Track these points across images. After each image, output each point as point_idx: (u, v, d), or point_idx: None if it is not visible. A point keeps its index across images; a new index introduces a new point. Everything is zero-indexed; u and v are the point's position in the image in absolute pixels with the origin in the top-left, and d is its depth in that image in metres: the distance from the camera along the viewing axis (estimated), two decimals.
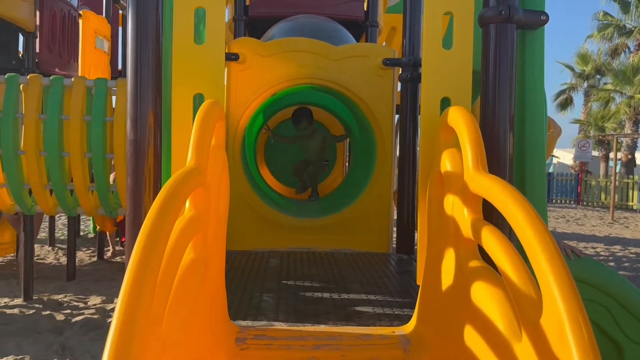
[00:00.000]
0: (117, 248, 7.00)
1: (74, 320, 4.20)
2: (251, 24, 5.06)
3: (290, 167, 5.05)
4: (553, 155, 30.99)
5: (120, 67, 7.58)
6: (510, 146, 1.88)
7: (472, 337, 1.40)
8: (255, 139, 4.53)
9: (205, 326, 1.47)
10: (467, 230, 1.51)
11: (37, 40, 5.65)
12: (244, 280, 2.57)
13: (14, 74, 4.10)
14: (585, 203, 20.10)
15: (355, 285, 2.50)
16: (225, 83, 3.36)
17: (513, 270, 1.22)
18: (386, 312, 2.12)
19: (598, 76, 25.82)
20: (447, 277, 1.62)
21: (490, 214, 1.74)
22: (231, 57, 3.27)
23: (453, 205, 1.61)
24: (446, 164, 1.67)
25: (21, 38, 5.67)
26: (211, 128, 1.53)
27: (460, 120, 1.60)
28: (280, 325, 1.92)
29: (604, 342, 1.99)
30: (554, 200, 21.02)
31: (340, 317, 2.03)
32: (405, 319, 1.95)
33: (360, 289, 2.44)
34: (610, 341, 1.98)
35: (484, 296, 1.37)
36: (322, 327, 1.89)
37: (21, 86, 4.10)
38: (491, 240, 1.34)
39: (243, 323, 1.93)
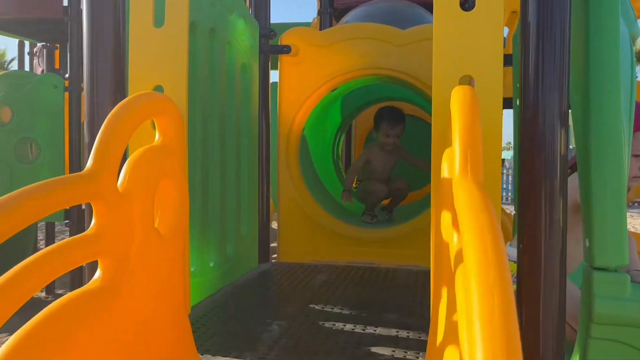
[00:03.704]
0: None
1: None
2: (338, 17, 4.73)
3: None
4: None
5: None
6: (562, 146, 1.31)
7: None
8: (335, 139, 4.17)
9: None
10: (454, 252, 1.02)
11: None
12: (266, 302, 2.25)
13: None
14: None
15: (393, 315, 2.04)
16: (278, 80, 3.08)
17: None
18: (408, 357, 1.65)
19: None
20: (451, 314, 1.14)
21: None
22: (283, 50, 2.98)
23: (449, 220, 1.12)
24: (444, 166, 1.18)
25: None
26: (127, 126, 1.23)
27: (455, 107, 1.10)
28: None
29: None
30: None
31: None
32: None
33: (396, 321, 1.98)
34: None
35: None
36: None
37: None
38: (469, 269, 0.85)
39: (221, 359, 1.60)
